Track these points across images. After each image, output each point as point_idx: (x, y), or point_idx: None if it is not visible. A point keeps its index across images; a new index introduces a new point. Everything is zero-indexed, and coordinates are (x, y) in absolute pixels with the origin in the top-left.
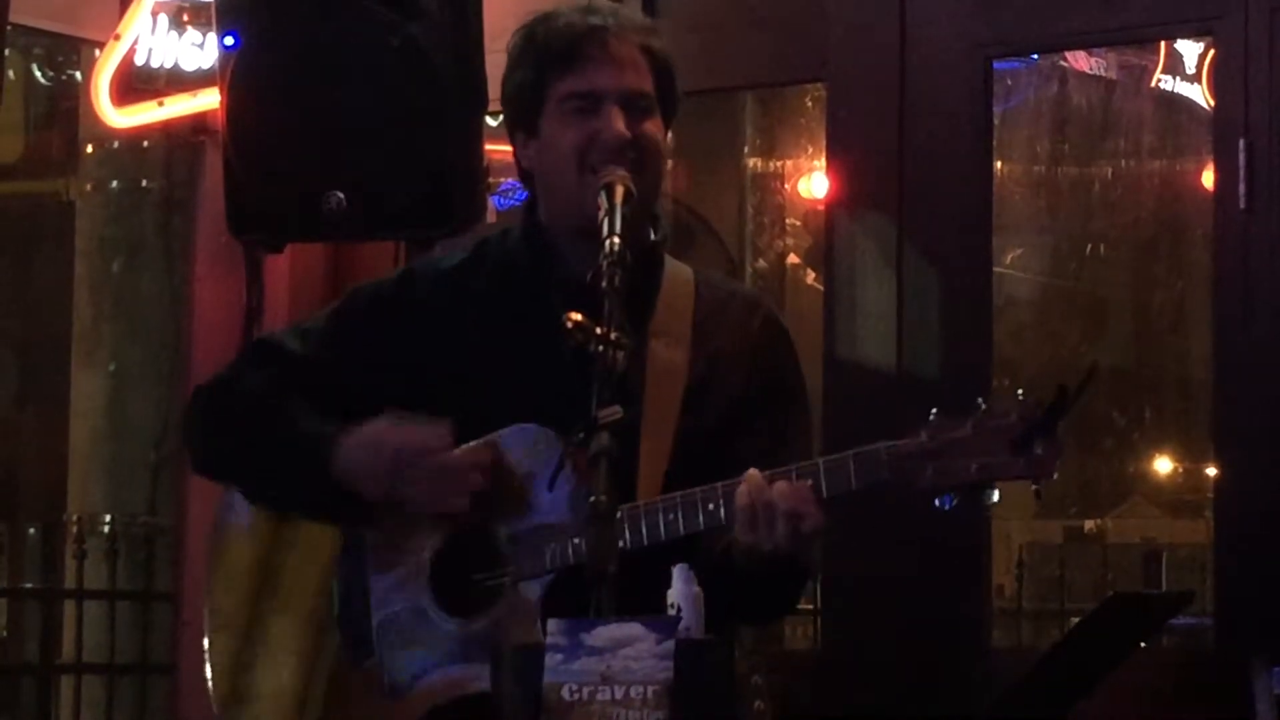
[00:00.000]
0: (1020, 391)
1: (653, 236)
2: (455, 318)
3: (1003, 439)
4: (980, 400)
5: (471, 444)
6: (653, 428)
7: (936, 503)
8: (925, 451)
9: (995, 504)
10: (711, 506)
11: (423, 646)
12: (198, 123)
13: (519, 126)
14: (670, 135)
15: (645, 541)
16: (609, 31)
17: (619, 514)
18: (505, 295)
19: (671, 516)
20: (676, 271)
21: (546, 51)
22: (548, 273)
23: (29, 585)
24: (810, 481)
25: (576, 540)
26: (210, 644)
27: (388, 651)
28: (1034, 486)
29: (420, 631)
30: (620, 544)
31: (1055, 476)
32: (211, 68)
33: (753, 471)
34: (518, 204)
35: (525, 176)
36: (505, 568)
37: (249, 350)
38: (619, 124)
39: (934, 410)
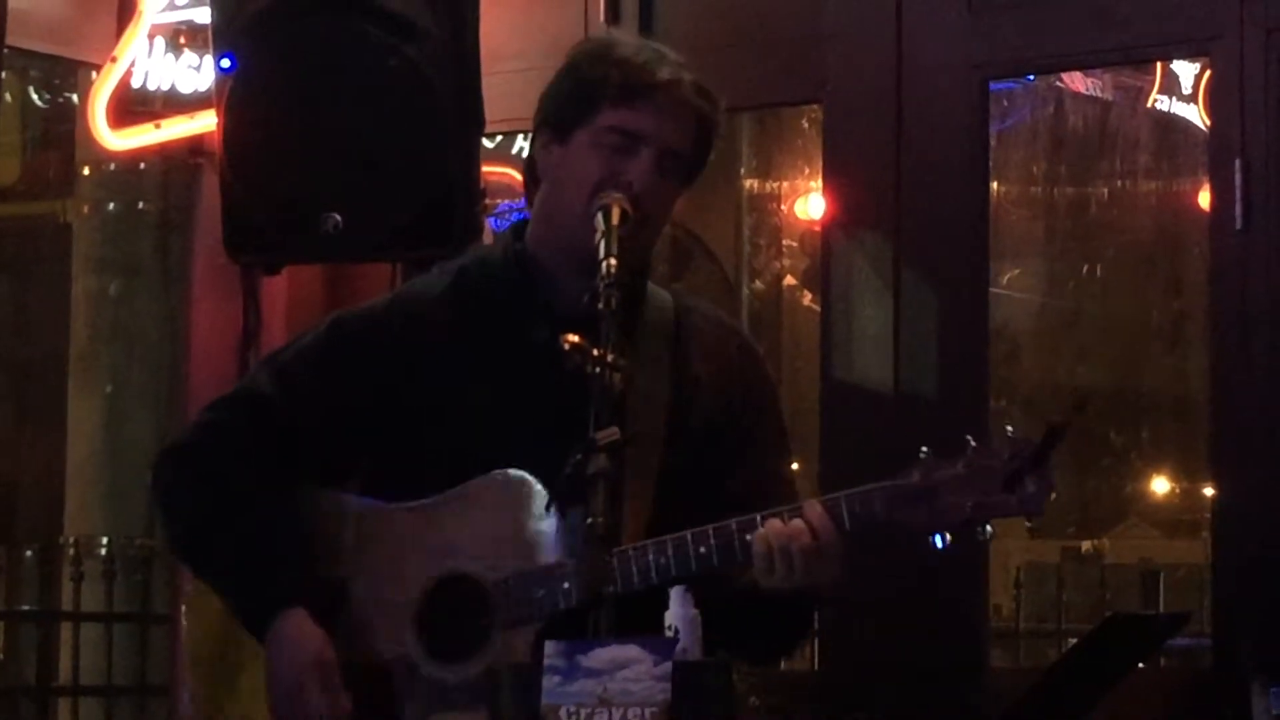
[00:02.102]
0: (1010, 429)
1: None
2: (439, 349)
3: (995, 477)
4: (970, 439)
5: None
6: (637, 455)
7: (932, 540)
8: (919, 491)
9: (990, 538)
10: (703, 550)
11: (413, 697)
12: (194, 145)
13: (550, 126)
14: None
15: (636, 585)
16: (682, 88)
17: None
18: (489, 324)
19: (663, 560)
20: (656, 297)
21: (616, 75)
22: (531, 300)
23: (26, 607)
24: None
25: (566, 585)
26: (189, 680)
27: (378, 705)
28: (1027, 523)
29: (410, 681)
30: (611, 589)
31: (1048, 506)
32: (208, 90)
33: (772, 522)
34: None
35: (531, 184)
36: (493, 613)
37: (220, 408)
38: (649, 174)
39: (924, 449)
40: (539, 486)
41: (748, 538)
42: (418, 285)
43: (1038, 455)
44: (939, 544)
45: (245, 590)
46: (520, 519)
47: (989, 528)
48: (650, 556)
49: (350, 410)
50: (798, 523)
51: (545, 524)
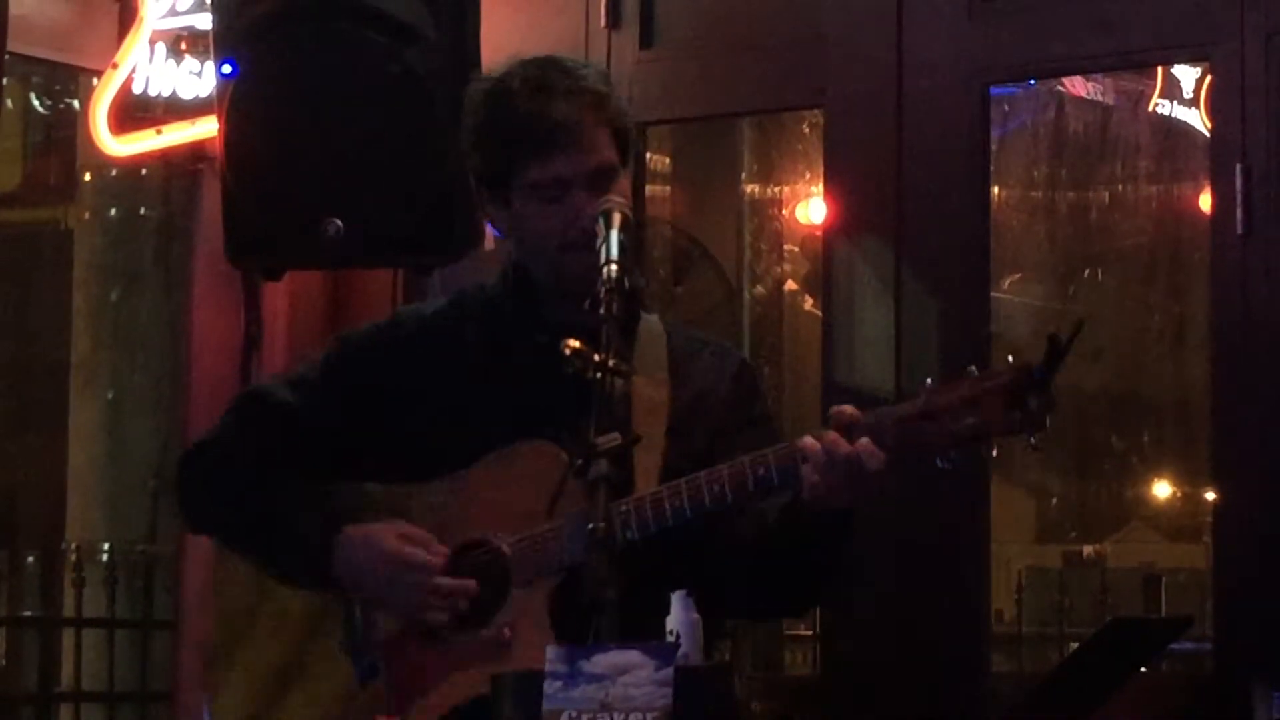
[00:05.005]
0: (1010, 356)
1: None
2: (442, 358)
3: (997, 396)
4: (972, 367)
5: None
6: (641, 460)
7: (938, 463)
8: (923, 413)
9: (993, 456)
10: (717, 488)
11: (431, 661)
12: (196, 151)
13: (488, 197)
14: (666, 163)
15: (653, 528)
16: (575, 121)
17: (625, 507)
18: (491, 335)
19: (678, 502)
20: (648, 320)
21: (511, 138)
22: (533, 311)
23: (28, 613)
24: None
25: (572, 537)
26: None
27: (398, 670)
28: (1030, 441)
29: (428, 646)
30: (629, 535)
31: (1048, 425)
32: (209, 96)
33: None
34: None
35: (494, 225)
36: (510, 574)
37: (240, 405)
38: (590, 209)
39: (928, 379)
40: (562, 452)
41: (760, 472)
42: (417, 306)
43: (1040, 373)
44: (941, 464)
45: (299, 548)
46: (541, 485)
47: (993, 449)
48: (665, 498)
49: (360, 419)
50: (833, 436)
51: (567, 488)
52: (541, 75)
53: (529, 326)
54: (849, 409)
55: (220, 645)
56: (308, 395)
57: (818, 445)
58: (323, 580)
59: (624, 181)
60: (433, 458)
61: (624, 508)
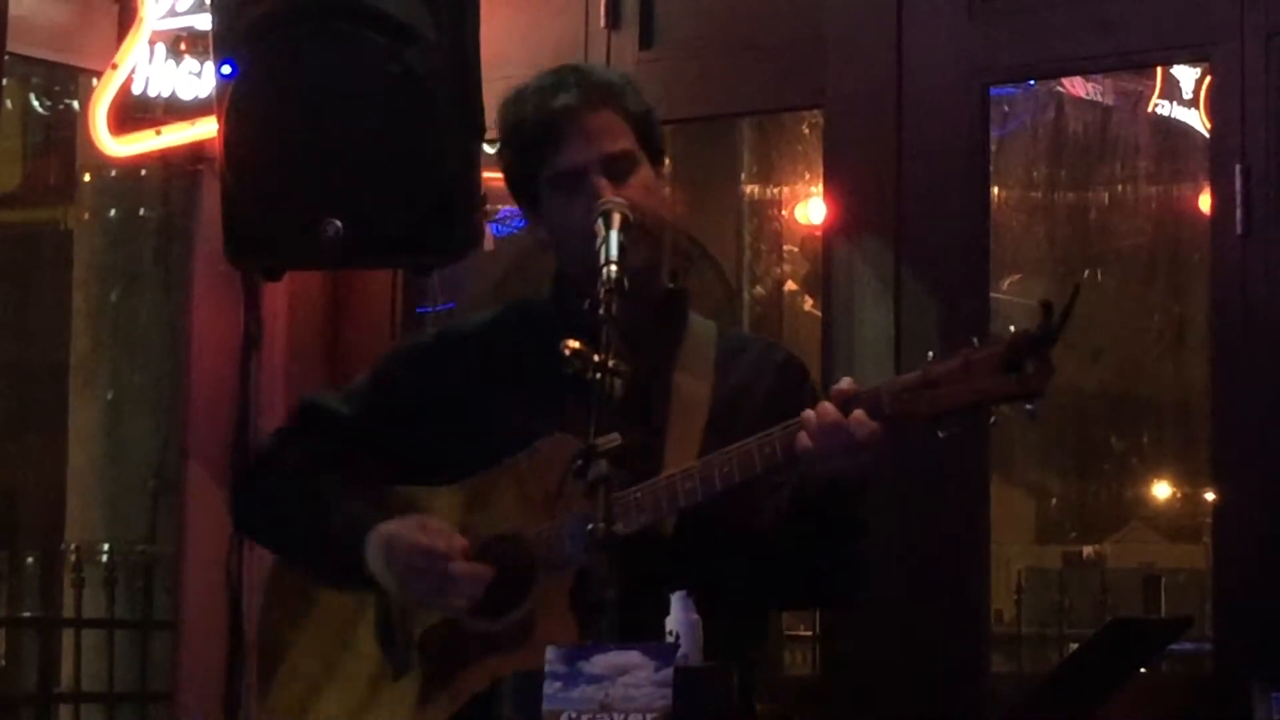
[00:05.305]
0: (1011, 328)
1: (671, 284)
2: (487, 367)
3: (994, 362)
4: (974, 339)
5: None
6: (675, 455)
7: (938, 433)
8: (922, 383)
9: (994, 423)
10: (726, 469)
11: (460, 650)
12: (195, 151)
13: (524, 207)
14: (667, 163)
15: (665, 512)
16: (577, 108)
17: (638, 493)
18: (533, 343)
19: (689, 485)
20: (700, 321)
21: (525, 138)
22: (572, 317)
23: (27, 614)
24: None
25: (589, 528)
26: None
27: (429, 662)
28: (1028, 407)
29: (458, 637)
30: (642, 519)
31: (1047, 394)
32: (209, 96)
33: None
34: (515, 231)
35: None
36: (535, 563)
37: (296, 413)
38: (607, 195)
39: (930, 353)
40: (580, 444)
41: (766, 450)
42: (469, 317)
43: (1036, 337)
44: (941, 434)
45: (334, 539)
46: (565, 477)
47: (992, 417)
48: (677, 481)
49: (410, 428)
50: (826, 405)
51: (567, 488)
52: (554, 78)
53: (568, 330)
54: (847, 381)
55: (269, 652)
56: (359, 407)
57: (812, 414)
58: (359, 579)
59: (650, 173)
60: (476, 466)
61: (637, 494)
